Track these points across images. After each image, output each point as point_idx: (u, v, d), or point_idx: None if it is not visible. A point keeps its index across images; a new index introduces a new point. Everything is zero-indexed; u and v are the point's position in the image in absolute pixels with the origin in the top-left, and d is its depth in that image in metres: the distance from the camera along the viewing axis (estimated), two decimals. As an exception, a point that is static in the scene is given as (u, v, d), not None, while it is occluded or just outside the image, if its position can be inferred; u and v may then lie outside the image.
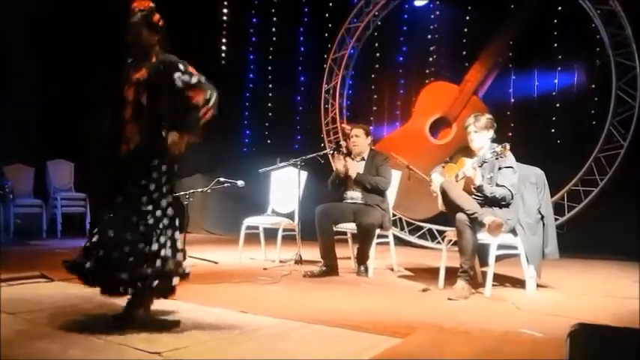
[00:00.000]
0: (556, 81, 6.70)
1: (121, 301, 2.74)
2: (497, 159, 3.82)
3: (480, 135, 4.04)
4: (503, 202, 3.89)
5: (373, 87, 7.97)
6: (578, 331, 1.83)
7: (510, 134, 6.54)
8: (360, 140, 4.92)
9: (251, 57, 9.01)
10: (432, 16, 7.53)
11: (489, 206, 3.89)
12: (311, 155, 5.02)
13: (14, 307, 3.02)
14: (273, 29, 8.75)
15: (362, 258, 4.63)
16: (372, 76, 8.00)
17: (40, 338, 2.49)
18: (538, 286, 4.03)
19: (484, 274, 3.99)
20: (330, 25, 8.21)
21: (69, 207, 7.46)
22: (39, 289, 3.67)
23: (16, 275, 3.87)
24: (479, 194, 3.92)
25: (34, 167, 7.55)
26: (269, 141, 8.68)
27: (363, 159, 4.93)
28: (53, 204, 7.45)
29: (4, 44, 6.64)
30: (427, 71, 7.57)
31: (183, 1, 7.98)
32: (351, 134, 4.99)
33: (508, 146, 3.75)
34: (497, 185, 3.91)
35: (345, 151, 5.02)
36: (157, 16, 2.80)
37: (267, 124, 8.77)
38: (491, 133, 4.06)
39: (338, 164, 4.87)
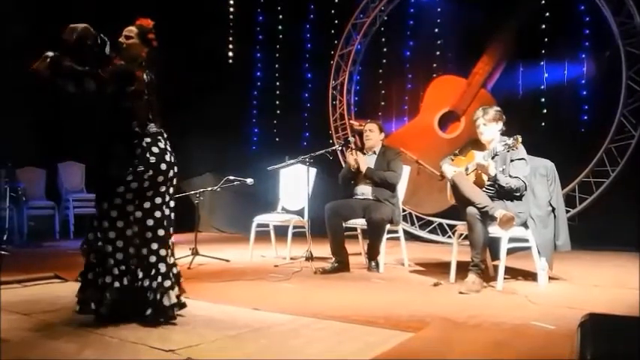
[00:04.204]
0: (565, 72, 6.64)
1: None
2: (508, 151, 3.81)
3: (489, 127, 4.03)
4: (517, 194, 3.86)
5: (381, 82, 7.94)
6: (589, 322, 1.83)
7: (519, 126, 6.48)
8: (374, 135, 4.97)
9: (258, 55, 9.02)
10: (439, 10, 7.49)
11: (501, 199, 3.88)
12: (320, 152, 5.03)
13: (29, 307, 3.07)
14: (280, 27, 8.76)
15: (372, 253, 4.64)
16: (380, 71, 7.97)
17: (55, 338, 2.52)
18: (550, 278, 4.02)
19: (495, 267, 3.98)
20: (336, 21, 8.20)
21: (81, 208, 7.51)
22: (53, 290, 3.71)
23: (30, 276, 3.93)
24: (490, 188, 3.92)
25: (45, 169, 7.62)
26: (277, 139, 8.69)
27: (374, 153, 4.96)
28: (65, 205, 7.52)
29: (9, 44, 6.67)
30: (434, 65, 7.52)
31: (189, 1, 8.01)
32: (365, 129, 5.03)
33: (520, 139, 3.73)
34: (511, 177, 3.89)
35: (353, 147, 5.04)
36: (151, 35, 2.91)
37: (275, 122, 8.79)
38: (500, 126, 4.04)
39: (350, 158, 4.90)
